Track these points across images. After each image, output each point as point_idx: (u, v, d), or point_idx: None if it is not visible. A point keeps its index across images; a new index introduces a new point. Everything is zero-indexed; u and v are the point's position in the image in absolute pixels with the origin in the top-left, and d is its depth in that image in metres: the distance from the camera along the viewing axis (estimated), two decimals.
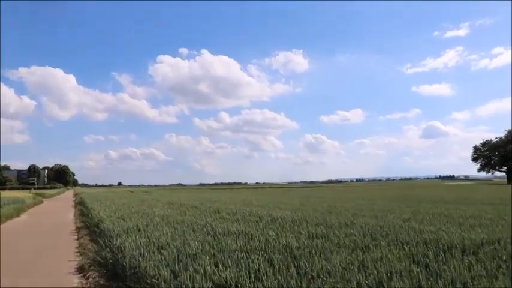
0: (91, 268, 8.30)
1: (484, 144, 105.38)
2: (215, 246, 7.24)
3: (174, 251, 6.89)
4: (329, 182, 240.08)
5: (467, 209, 15.77)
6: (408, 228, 9.43)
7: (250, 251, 6.71)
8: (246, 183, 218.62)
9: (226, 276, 5.08)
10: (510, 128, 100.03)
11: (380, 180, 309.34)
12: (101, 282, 7.34)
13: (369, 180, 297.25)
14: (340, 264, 5.53)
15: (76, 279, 7.83)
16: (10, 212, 21.39)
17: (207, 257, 6.24)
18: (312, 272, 5.13)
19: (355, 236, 8.25)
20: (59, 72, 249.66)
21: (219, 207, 18.32)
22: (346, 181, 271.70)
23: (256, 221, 11.54)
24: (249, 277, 5.05)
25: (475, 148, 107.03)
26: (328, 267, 5.42)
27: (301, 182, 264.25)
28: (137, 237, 8.76)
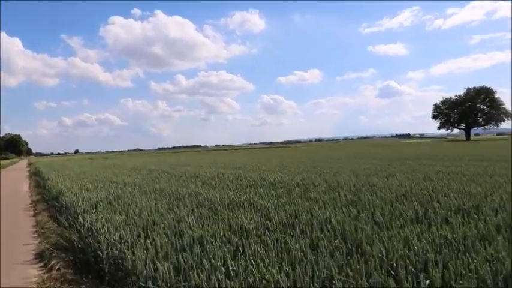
0: (53, 255, 6.50)
1: (443, 102, 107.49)
2: (221, 225, 5.44)
3: (168, 232, 5.14)
4: (288, 142, 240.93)
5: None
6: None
7: (276, 230, 5.02)
8: (205, 146, 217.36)
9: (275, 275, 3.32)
10: (469, 86, 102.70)
11: (338, 139, 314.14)
12: (69, 275, 5.59)
13: (327, 140, 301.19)
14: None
15: (35, 271, 6.03)
16: None
17: (220, 243, 4.46)
18: (390, 260, 3.52)
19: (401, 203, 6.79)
20: (2, 35, 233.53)
21: (194, 171, 16.56)
22: (304, 141, 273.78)
23: (250, 186, 9.90)
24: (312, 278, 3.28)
25: (435, 106, 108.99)
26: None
27: (260, 143, 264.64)
28: (111, 213, 6.93)
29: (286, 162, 22.64)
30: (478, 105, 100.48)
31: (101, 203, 8.14)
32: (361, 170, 14.03)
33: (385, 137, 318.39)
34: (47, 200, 12.75)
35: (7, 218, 11.32)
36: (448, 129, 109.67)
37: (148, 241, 4.76)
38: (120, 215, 6.74)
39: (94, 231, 5.75)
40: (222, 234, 4.83)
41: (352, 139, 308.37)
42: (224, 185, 10.39)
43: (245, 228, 5.07)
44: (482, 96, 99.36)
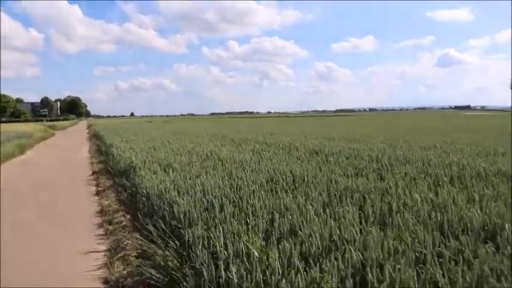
0: None
1: None
2: None
3: None
4: (340, 111, 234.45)
5: None
6: None
7: None
8: (257, 112, 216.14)
9: None
10: None
11: (393, 110, 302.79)
12: None
13: (382, 110, 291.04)
14: None
15: None
16: (10, 150, 16.61)
17: None
18: None
19: None
20: (63, 3, 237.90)
21: (288, 141, 13.18)
22: (359, 110, 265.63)
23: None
24: None
25: None
26: None
27: (312, 111, 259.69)
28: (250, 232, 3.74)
29: (380, 133, 18.90)
30: None
31: (217, 203, 4.76)
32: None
33: (444, 108, 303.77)
34: (113, 174, 9.88)
35: (62, 196, 8.55)
36: None
37: None
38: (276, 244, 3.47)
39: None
40: None
41: (407, 109, 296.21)
42: (360, 168, 7.18)
43: None
44: None
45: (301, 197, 4.70)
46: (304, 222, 3.79)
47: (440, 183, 5.60)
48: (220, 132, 20.36)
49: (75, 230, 6.05)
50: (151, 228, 4.52)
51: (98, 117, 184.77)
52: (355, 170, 6.72)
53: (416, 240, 3.28)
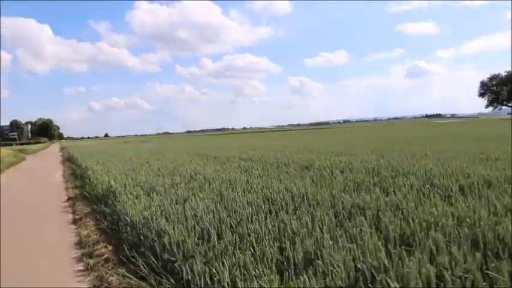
0: None
1: (491, 78, 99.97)
2: None
3: None
4: (316, 124, 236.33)
5: None
6: None
7: None
8: (233, 129, 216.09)
9: None
10: None
11: (367, 121, 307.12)
12: None
13: (356, 121, 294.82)
14: None
15: None
16: None
17: None
18: None
19: None
20: (31, 21, 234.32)
21: (274, 156, 12.68)
22: (334, 122, 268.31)
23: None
24: None
25: (482, 83, 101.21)
26: None
27: (288, 125, 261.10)
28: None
29: (350, 144, 18.61)
30: None
31: (213, 231, 4.18)
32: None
33: (416, 117, 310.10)
34: (91, 200, 9.20)
35: (35, 226, 7.81)
36: (496, 107, 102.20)
37: None
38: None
39: None
40: None
41: (381, 120, 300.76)
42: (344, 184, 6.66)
43: None
44: None
45: (307, 218, 4.19)
46: (320, 248, 3.28)
47: (451, 194, 5.18)
48: (200, 150, 19.73)
49: (50, 265, 5.38)
50: (139, 262, 3.94)
51: (71, 139, 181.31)
52: (355, 185, 6.27)
53: (455, 263, 2.82)
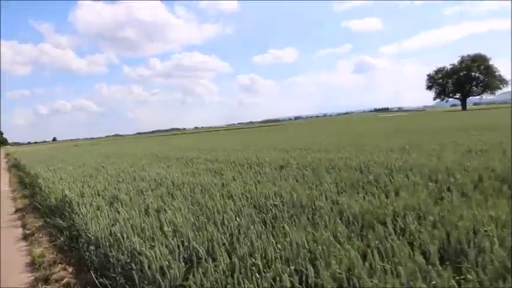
0: None
1: (437, 71, 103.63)
2: None
3: None
4: (266, 121, 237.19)
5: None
6: None
7: None
8: (184, 129, 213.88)
9: None
10: (462, 54, 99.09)
11: (317, 116, 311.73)
12: None
13: (306, 117, 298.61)
14: None
15: None
16: None
17: None
18: None
19: None
20: None
21: (242, 156, 12.02)
22: (285, 119, 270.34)
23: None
24: None
25: (429, 76, 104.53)
26: None
27: (239, 123, 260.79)
28: None
29: (314, 141, 18.32)
30: (473, 73, 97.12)
31: (202, 251, 3.50)
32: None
33: (364, 111, 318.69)
34: (43, 211, 8.27)
35: None
36: (443, 99, 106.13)
37: None
38: None
39: None
40: None
41: (330, 116, 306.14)
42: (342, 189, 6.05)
43: None
44: (477, 64, 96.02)
45: (323, 231, 3.58)
46: (351, 271, 2.70)
47: (465, 191, 4.73)
48: (158, 152, 18.71)
49: None
50: None
51: (18, 144, 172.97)
52: (349, 185, 5.73)
53: None
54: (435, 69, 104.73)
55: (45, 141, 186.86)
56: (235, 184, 6.50)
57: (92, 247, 4.38)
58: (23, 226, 8.07)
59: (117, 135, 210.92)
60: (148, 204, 5.56)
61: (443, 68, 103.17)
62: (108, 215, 5.14)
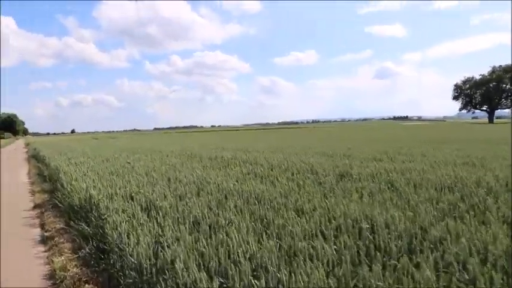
0: None
1: (465, 81, 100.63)
2: None
3: None
4: (283, 123, 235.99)
5: None
6: None
7: None
8: (201, 127, 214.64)
9: None
10: (494, 65, 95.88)
11: (335, 121, 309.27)
12: None
13: (324, 122, 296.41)
14: None
15: None
16: None
17: None
18: None
19: None
20: None
21: (281, 159, 10.91)
22: (301, 122, 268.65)
23: None
24: None
25: (456, 86, 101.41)
26: None
27: (255, 124, 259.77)
28: None
29: (354, 146, 17.09)
30: (504, 85, 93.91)
31: None
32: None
33: (383, 119, 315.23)
34: (64, 211, 7.31)
35: None
36: (469, 110, 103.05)
37: None
38: None
39: None
40: None
41: (349, 121, 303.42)
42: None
43: None
44: (509, 75, 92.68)
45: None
46: None
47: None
48: (186, 149, 17.60)
49: None
50: None
51: (37, 134, 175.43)
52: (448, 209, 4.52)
53: None
54: (463, 79, 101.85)
55: (63, 133, 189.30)
56: (295, 195, 5.39)
57: (132, 272, 3.34)
58: (41, 226, 7.15)
59: (135, 130, 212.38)
60: (196, 216, 4.49)
61: (472, 78, 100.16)
62: (149, 229, 4.09)
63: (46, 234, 6.53)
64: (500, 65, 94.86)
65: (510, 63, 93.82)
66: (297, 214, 4.29)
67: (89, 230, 5.49)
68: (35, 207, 8.94)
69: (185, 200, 5.43)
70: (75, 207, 6.84)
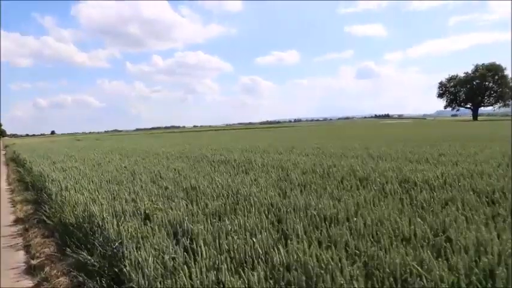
0: None
1: (449, 79, 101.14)
2: None
3: None
4: (265, 123, 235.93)
5: None
6: None
7: None
8: (183, 127, 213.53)
9: None
10: (477, 63, 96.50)
11: (317, 120, 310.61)
12: None
13: (306, 121, 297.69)
14: None
15: None
16: None
17: None
18: None
19: None
20: None
21: (284, 160, 9.62)
22: (284, 121, 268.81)
23: None
24: None
25: (441, 84, 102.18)
26: None
27: (238, 123, 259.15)
28: None
29: (346, 143, 15.94)
30: (487, 83, 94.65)
31: None
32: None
33: (365, 117, 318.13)
34: (55, 228, 5.91)
35: None
36: (453, 108, 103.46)
37: None
38: None
39: None
40: None
41: (331, 120, 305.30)
42: None
43: None
44: (492, 74, 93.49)
45: None
46: None
47: None
48: (185, 151, 15.89)
49: None
50: None
51: (15, 136, 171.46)
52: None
53: None
54: (448, 76, 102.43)
55: (43, 134, 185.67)
56: (334, 206, 4.09)
57: None
58: (26, 249, 5.74)
59: (116, 130, 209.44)
60: (246, 251, 3.13)
61: (456, 76, 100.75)
62: (194, 273, 2.74)
63: (33, 262, 5.12)
64: (483, 63, 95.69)
65: (490, 62, 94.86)
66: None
67: (92, 260, 4.12)
68: (17, 221, 7.49)
69: (224, 221, 4.03)
70: (70, 226, 5.45)
